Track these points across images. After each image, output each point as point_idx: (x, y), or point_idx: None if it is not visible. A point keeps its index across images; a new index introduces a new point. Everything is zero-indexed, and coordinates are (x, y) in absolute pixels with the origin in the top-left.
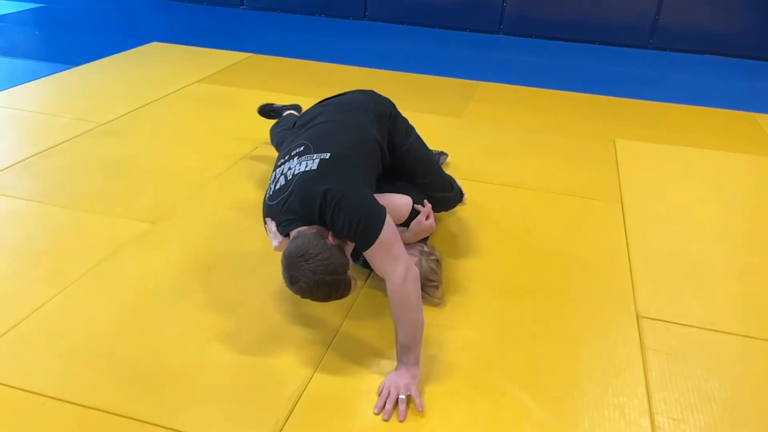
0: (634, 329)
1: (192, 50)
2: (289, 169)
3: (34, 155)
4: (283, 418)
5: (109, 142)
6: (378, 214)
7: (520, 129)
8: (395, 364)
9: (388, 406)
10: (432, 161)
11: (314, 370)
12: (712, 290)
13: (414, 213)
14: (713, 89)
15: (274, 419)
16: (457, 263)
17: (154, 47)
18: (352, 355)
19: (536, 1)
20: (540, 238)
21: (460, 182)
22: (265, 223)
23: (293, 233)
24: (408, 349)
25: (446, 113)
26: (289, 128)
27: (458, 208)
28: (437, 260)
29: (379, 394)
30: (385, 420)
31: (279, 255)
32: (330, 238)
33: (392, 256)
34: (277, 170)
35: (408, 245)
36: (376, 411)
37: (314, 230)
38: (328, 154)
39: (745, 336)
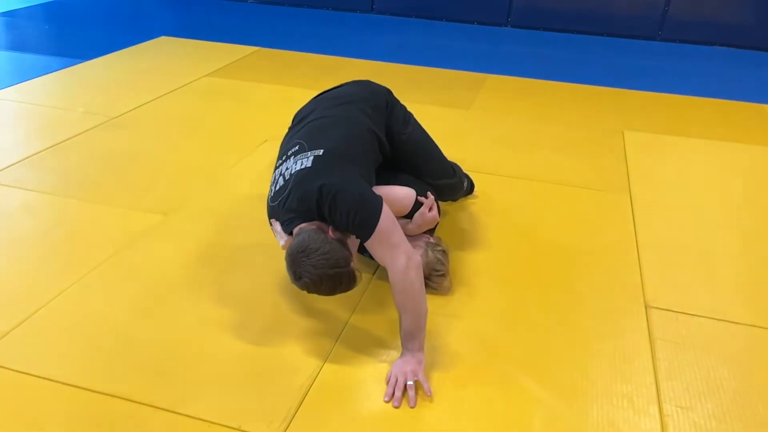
0: (642, 319)
1: (200, 44)
2: (287, 169)
3: (47, 148)
4: (295, 406)
5: (120, 135)
6: (374, 205)
7: (528, 121)
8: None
9: (397, 393)
10: (432, 148)
11: (324, 360)
12: (720, 280)
13: (417, 205)
14: (722, 80)
15: (287, 407)
16: (464, 254)
17: (163, 41)
18: (362, 345)
19: None
20: (548, 229)
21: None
22: (271, 224)
23: (295, 230)
24: (412, 336)
25: (454, 105)
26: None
27: (467, 200)
28: (443, 251)
29: (388, 382)
30: (396, 407)
31: None
32: (330, 232)
33: (392, 244)
34: (276, 171)
35: (413, 237)
36: (386, 399)
37: (314, 226)
38: (322, 151)
39: (753, 326)
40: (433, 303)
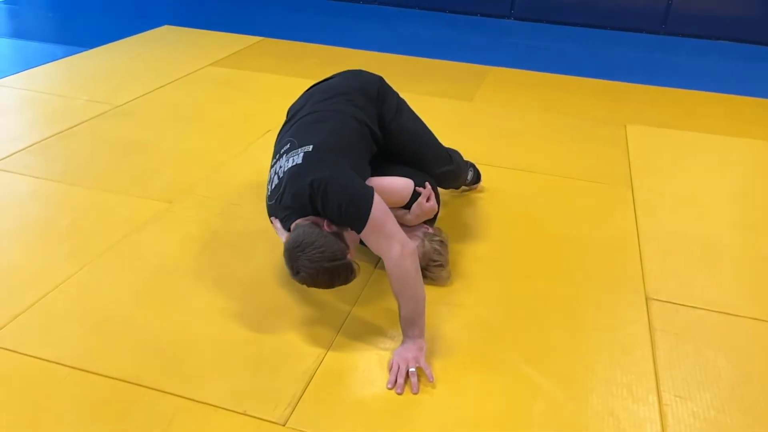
0: (643, 311)
1: (204, 33)
2: (280, 167)
3: (52, 136)
4: (299, 391)
5: (124, 123)
6: (365, 195)
7: (530, 113)
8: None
9: (400, 380)
10: (426, 135)
11: (328, 347)
12: (721, 273)
13: (416, 195)
14: (725, 74)
15: (291, 392)
16: (467, 245)
17: (167, 30)
18: (365, 334)
19: None
20: (550, 220)
21: None
22: (272, 222)
23: (292, 226)
24: (412, 323)
25: (457, 97)
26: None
27: (470, 192)
28: (441, 241)
29: (390, 369)
30: (399, 394)
31: None
32: (326, 226)
33: (386, 234)
34: (271, 170)
35: (412, 227)
36: (389, 386)
37: (309, 221)
38: (311, 146)
39: (753, 318)
40: (436, 292)
